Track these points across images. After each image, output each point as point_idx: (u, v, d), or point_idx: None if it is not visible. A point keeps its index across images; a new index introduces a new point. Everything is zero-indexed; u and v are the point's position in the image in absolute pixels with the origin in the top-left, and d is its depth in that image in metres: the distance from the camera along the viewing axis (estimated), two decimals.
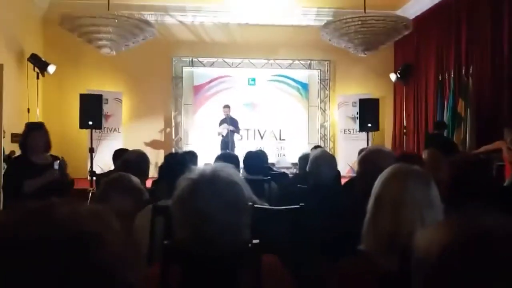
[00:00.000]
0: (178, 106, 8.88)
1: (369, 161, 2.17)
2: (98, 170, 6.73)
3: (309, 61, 9.11)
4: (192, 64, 8.92)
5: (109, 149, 6.63)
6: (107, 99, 8.03)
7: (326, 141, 9.20)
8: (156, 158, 7.69)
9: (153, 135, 8.77)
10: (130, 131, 8.44)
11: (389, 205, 1.28)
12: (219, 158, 3.50)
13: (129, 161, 2.88)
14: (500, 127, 5.46)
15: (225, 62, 8.93)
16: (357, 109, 8.39)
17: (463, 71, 6.71)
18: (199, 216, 1.17)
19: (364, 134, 8.13)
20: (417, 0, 8.13)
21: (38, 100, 7.52)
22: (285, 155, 8.99)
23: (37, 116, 7.32)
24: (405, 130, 8.67)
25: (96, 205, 0.65)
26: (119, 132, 8.35)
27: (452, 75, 7.01)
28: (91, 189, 6.22)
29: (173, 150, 8.28)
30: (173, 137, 8.85)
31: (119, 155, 3.67)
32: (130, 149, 3.48)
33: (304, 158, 3.83)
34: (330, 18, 7.36)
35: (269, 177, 3.61)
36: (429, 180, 1.31)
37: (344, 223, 1.80)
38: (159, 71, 8.68)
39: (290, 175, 5.05)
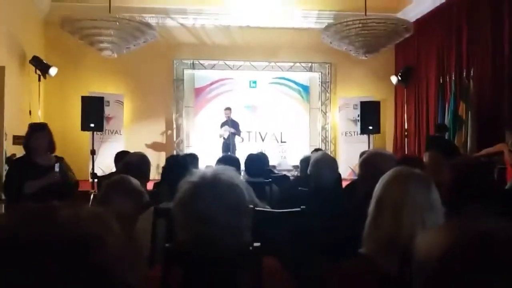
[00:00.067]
0: (179, 109, 8.89)
1: (370, 164, 2.17)
2: (99, 172, 6.74)
3: (310, 64, 9.11)
4: (193, 66, 8.93)
5: (110, 151, 6.65)
6: (108, 101, 8.05)
7: (327, 143, 9.20)
8: (157, 160, 7.71)
9: (155, 137, 8.78)
10: (131, 133, 8.45)
11: (390, 208, 1.28)
12: (220, 161, 3.50)
13: (130, 163, 2.89)
14: (501, 130, 5.45)
15: (226, 64, 8.94)
16: (358, 111, 8.39)
17: (464, 73, 6.72)
18: (200, 218, 1.17)
19: (365, 136, 8.13)
20: (418, 3, 8.13)
21: (39, 102, 7.54)
22: (286, 157, 8.98)
23: (38, 118, 7.33)
24: (406, 133, 8.66)
25: (97, 207, 0.65)
26: (120, 134, 8.36)
27: (453, 78, 7.00)
28: (92, 191, 6.23)
29: (175, 153, 8.29)
30: (175, 139, 8.86)
31: (121, 158, 3.68)
32: (132, 151, 3.49)
33: (305, 161, 3.83)
34: (331, 21, 7.38)
35: (270, 179, 3.61)
36: (430, 183, 1.31)
37: (345, 226, 1.80)
38: (160, 73, 8.69)
39: (291, 178, 5.05)
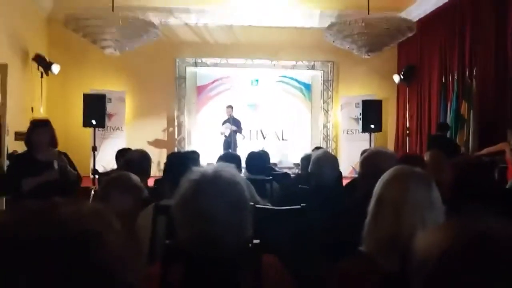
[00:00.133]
0: (181, 106, 8.89)
1: (371, 162, 2.17)
2: (100, 169, 6.74)
3: (312, 62, 9.10)
4: (195, 64, 8.93)
5: (112, 148, 6.65)
6: (110, 98, 8.06)
7: (328, 141, 9.20)
8: (158, 157, 7.73)
9: (156, 135, 8.79)
10: (133, 130, 8.46)
11: (390, 206, 1.27)
12: (221, 158, 3.50)
13: (131, 160, 2.90)
14: (503, 129, 5.44)
15: (229, 63, 8.93)
16: (360, 110, 8.38)
17: (467, 73, 6.70)
18: (201, 216, 1.17)
19: (366, 135, 8.12)
20: (421, 2, 8.10)
21: (42, 99, 7.55)
22: (288, 155, 8.98)
23: (41, 115, 7.34)
24: (408, 132, 8.65)
25: (97, 204, 0.65)
26: (122, 131, 8.37)
27: (456, 77, 6.99)
28: (93, 187, 6.23)
29: (176, 150, 8.29)
30: (176, 136, 8.86)
31: (122, 154, 3.69)
32: (133, 148, 3.50)
33: (306, 159, 3.83)
34: (334, 20, 7.35)
35: (271, 177, 3.61)
36: (430, 182, 1.31)
37: (345, 224, 1.80)
38: (163, 71, 8.69)
39: (292, 176, 5.04)
